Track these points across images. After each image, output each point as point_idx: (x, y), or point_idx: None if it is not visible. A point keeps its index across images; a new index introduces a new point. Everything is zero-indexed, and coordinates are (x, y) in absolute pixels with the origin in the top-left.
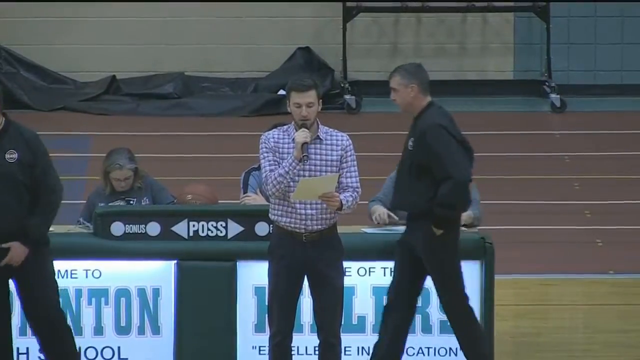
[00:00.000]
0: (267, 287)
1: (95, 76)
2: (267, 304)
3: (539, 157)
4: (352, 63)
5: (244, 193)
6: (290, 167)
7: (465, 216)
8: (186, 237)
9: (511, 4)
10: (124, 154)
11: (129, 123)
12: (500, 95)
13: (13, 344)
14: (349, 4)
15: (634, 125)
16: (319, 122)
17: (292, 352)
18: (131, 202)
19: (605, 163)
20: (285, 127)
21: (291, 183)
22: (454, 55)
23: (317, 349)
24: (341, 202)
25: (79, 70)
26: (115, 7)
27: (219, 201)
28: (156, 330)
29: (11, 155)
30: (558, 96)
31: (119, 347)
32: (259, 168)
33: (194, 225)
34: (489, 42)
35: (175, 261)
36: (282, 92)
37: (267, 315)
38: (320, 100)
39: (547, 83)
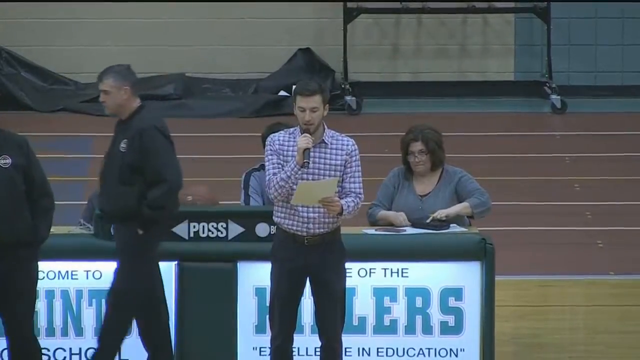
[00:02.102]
0: (268, 289)
1: (95, 77)
2: (268, 306)
3: (539, 158)
4: (353, 64)
5: (245, 194)
6: (292, 172)
7: (462, 207)
8: (187, 238)
9: (512, 5)
10: None
11: None
12: (500, 96)
13: None
14: (349, 5)
15: (635, 127)
16: (326, 126)
17: (293, 354)
18: None
19: (605, 164)
20: (292, 129)
21: (293, 187)
22: (454, 56)
23: (317, 351)
24: (342, 207)
25: (79, 72)
26: (116, 8)
27: (220, 202)
28: None
29: (5, 161)
30: (559, 97)
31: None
32: (259, 169)
33: (194, 226)
34: (489, 43)
35: (176, 262)
36: (282, 93)
37: (268, 317)
38: (327, 105)
39: (547, 84)
